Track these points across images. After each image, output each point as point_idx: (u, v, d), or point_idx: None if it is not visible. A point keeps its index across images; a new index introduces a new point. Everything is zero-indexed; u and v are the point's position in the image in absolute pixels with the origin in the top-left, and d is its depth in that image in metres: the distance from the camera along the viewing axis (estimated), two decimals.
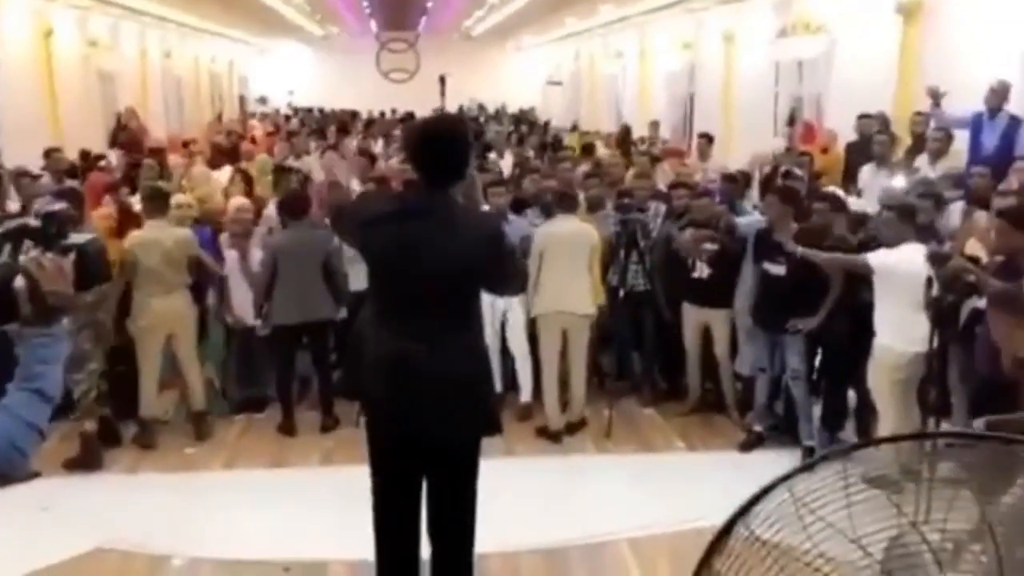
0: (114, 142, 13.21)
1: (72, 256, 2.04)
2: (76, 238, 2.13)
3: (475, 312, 3.26)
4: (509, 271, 3.32)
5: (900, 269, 4.71)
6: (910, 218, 4.99)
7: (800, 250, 5.27)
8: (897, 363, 4.78)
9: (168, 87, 18.90)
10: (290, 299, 5.95)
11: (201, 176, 8.47)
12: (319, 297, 5.97)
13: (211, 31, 22.03)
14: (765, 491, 1.77)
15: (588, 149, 11.50)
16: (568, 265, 5.90)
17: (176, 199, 6.36)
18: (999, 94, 7.04)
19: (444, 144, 3.16)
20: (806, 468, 1.80)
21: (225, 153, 10.66)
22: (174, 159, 9.65)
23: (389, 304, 3.20)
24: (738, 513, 1.78)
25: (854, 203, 6.57)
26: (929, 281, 4.40)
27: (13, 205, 7.16)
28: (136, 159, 9.70)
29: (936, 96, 7.24)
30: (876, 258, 4.88)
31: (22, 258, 1.98)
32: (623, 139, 13.56)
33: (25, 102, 11.55)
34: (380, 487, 3.34)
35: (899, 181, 6.84)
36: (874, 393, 5.02)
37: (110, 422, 5.87)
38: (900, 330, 4.71)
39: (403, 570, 3.38)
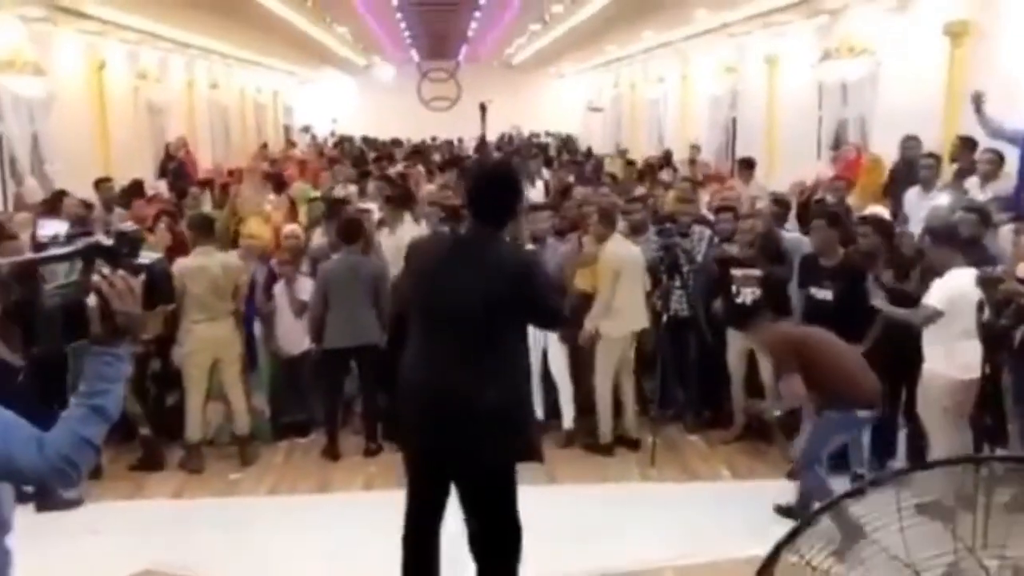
0: (163, 172, 13.50)
1: (142, 276, 2.04)
2: (145, 258, 2.12)
3: (509, 341, 3.39)
4: (541, 305, 3.47)
5: (951, 296, 4.62)
6: (951, 240, 4.90)
7: (886, 309, 5.18)
8: (947, 389, 4.67)
9: (215, 117, 19.28)
10: (341, 324, 6.00)
11: (249, 201, 8.56)
12: (368, 321, 6.01)
13: (256, 62, 22.49)
14: (815, 514, 1.73)
15: (642, 175, 11.53)
16: (636, 285, 6.03)
17: (246, 230, 6.48)
18: None
19: (495, 190, 3.42)
20: (856, 492, 1.76)
21: (271, 181, 10.81)
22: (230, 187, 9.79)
23: (422, 334, 3.42)
24: (788, 537, 1.74)
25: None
26: (980, 305, 4.30)
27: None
28: (184, 188, 9.89)
29: (979, 101, 7.09)
30: (934, 296, 4.76)
31: (94, 277, 1.98)
32: (664, 163, 13.52)
33: (78, 133, 11.85)
34: (408, 501, 3.59)
35: (943, 199, 6.71)
36: (924, 420, 4.91)
37: (152, 444, 5.95)
38: (950, 356, 4.61)
39: (425, 534, 3.56)
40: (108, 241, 2.09)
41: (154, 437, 5.99)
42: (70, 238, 2.77)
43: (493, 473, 3.43)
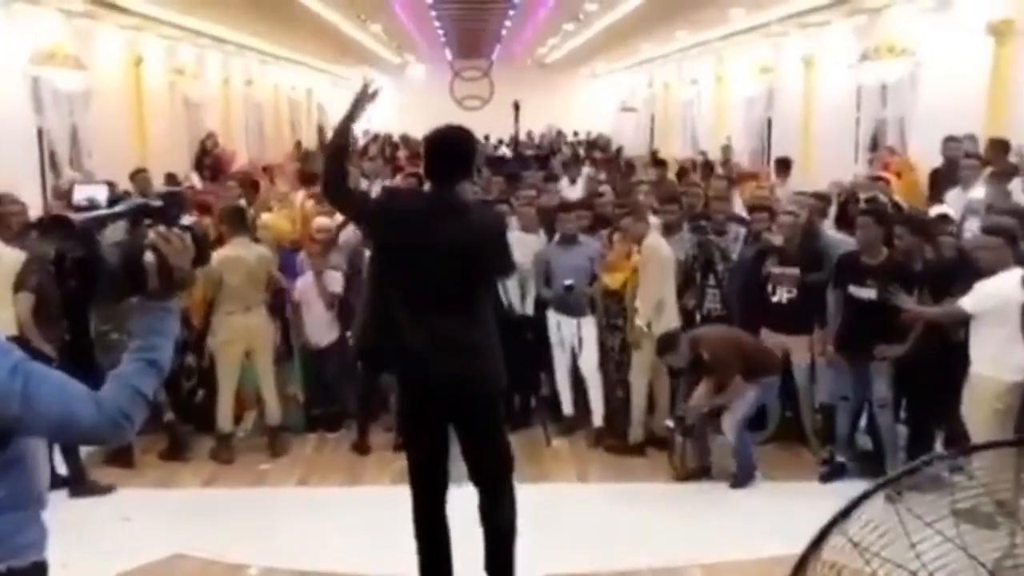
0: (199, 166, 13.63)
1: (189, 238, 2.11)
2: (185, 220, 2.24)
3: (482, 293, 3.67)
4: (507, 257, 3.80)
5: (997, 297, 4.51)
6: (1013, 244, 4.78)
7: (914, 308, 5.14)
8: (995, 392, 4.57)
9: (249, 114, 19.44)
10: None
11: (281, 196, 8.61)
12: None
13: (290, 59, 22.65)
14: (866, 495, 1.68)
15: (678, 176, 11.45)
16: (673, 282, 6.01)
17: (260, 221, 6.51)
18: None
19: (448, 151, 3.68)
20: (910, 471, 1.71)
21: (303, 177, 10.86)
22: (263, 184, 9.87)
23: (405, 284, 3.57)
24: (839, 516, 1.70)
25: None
26: None
27: None
28: (219, 182, 9.98)
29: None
30: (973, 296, 4.66)
31: (151, 233, 2.05)
32: (706, 170, 13.38)
33: (115, 127, 11.99)
34: (410, 446, 3.85)
35: (978, 192, 6.57)
36: (969, 424, 4.80)
37: (176, 430, 6.00)
38: (998, 359, 4.51)
39: (434, 521, 3.74)
40: (156, 202, 2.19)
41: (179, 424, 6.04)
42: (111, 203, 2.85)
43: (486, 399, 3.68)
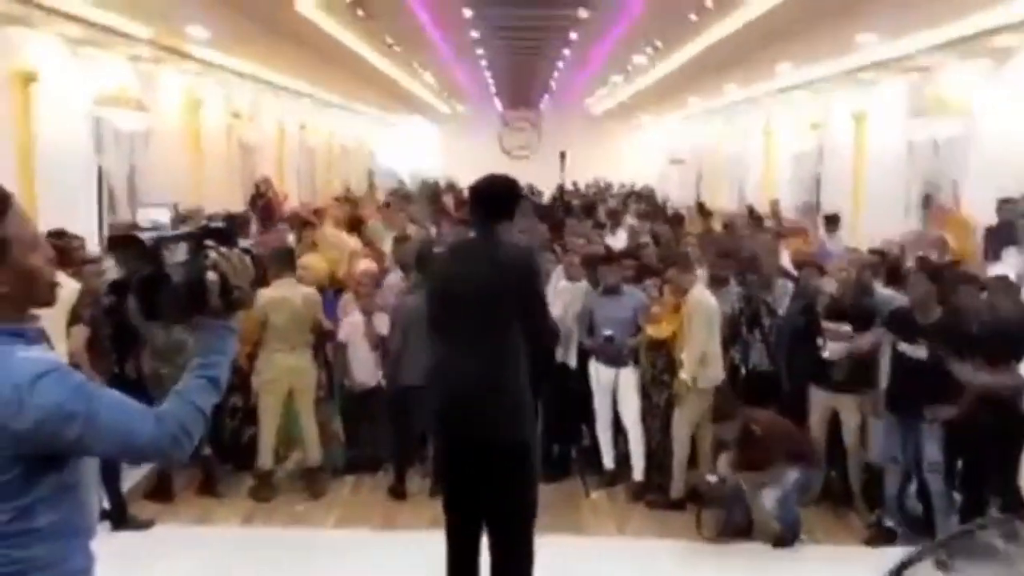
0: (253, 208, 13.88)
1: (249, 259, 2.18)
2: (244, 243, 2.28)
3: (514, 335, 3.69)
4: (538, 304, 3.86)
5: None
6: None
7: (974, 380, 5.05)
8: None
9: (303, 158, 19.82)
10: (420, 360, 6.00)
11: (332, 238, 8.70)
12: None
13: (344, 106, 23.13)
14: (912, 560, 1.62)
15: (727, 227, 11.39)
16: (718, 335, 5.95)
17: (301, 261, 6.58)
18: None
19: (491, 192, 3.85)
20: (960, 535, 1.64)
21: (349, 221, 10.99)
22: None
23: (445, 335, 3.76)
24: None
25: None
26: None
27: None
28: (270, 225, 10.15)
29: None
30: None
31: (212, 254, 2.11)
32: (754, 220, 13.28)
33: (173, 168, 12.30)
34: (445, 495, 3.94)
35: None
36: None
37: (211, 466, 6.03)
38: None
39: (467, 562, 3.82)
40: (217, 224, 2.29)
41: (217, 461, 6.08)
42: (175, 223, 2.97)
43: (506, 448, 3.67)
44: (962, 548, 2.12)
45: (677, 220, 11.96)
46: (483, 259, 3.71)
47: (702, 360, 5.77)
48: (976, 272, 6.50)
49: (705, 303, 5.90)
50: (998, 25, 8.74)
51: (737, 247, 7.82)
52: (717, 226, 12.09)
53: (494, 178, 3.93)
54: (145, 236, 2.25)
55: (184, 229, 2.31)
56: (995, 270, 6.89)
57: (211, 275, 2.09)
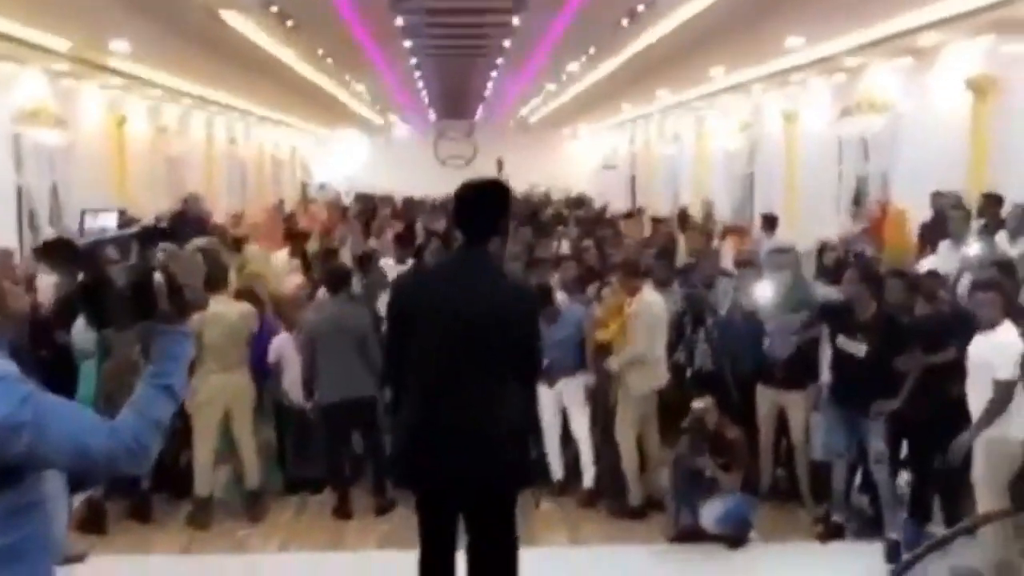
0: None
1: (200, 258, 2.09)
2: (197, 241, 2.15)
3: (511, 370, 3.29)
4: (536, 355, 3.44)
5: (998, 354, 4.44)
6: (1007, 297, 4.74)
7: (911, 367, 5.10)
8: (1000, 451, 4.46)
9: (233, 172, 19.45)
10: (331, 377, 5.86)
11: (258, 254, 8.49)
12: (359, 374, 5.85)
13: (275, 119, 22.77)
14: (915, 559, 1.56)
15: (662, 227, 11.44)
16: (663, 339, 5.90)
17: (248, 268, 6.38)
18: None
19: (478, 200, 3.36)
20: (958, 534, 1.59)
21: (293, 236, 10.76)
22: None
23: (428, 370, 3.27)
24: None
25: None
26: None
27: None
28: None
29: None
30: (1004, 367, 4.52)
31: (159, 254, 2.03)
32: (682, 220, 13.44)
33: (98, 183, 11.92)
34: (421, 535, 3.51)
35: (973, 248, 6.57)
36: (982, 486, 4.67)
37: (147, 499, 5.80)
38: (1001, 416, 4.41)
39: None
40: (164, 224, 2.10)
41: (148, 490, 5.82)
42: (121, 227, 2.82)
43: (504, 498, 3.39)
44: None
45: (615, 225, 12.01)
46: (480, 290, 3.24)
47: (643, 363, 5.73)
48: (907, 269, 6.60)
49: (655, 305, 5.87)
50: (920, 24, 8.96)
51: (675, 248, 7.86)
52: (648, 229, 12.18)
53: (484, 185, 3.46)
54: (82, 240, 2.13)
55: (131, 229, 2.20)
56: (928, 264, 7.02)
57: (158, 276, 1.97)
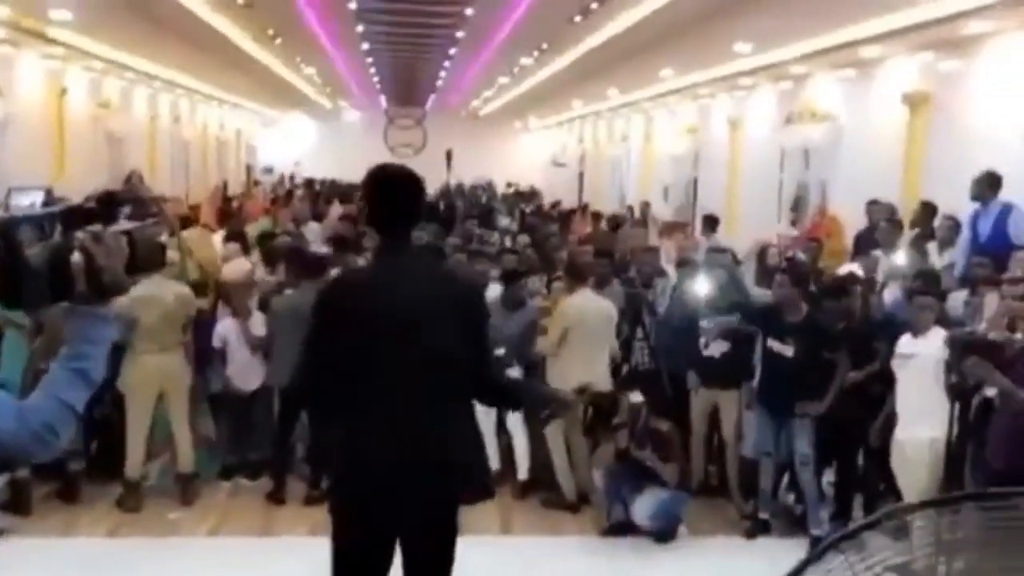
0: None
1: (124, 240, 2.00)
2: (126, 224, 2.08)
3: (464, 378, 3.00)
4: (488, 352, 3.15)
5: (927, 355, 4.62)
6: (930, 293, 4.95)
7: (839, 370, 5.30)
8: (925, 448, 4.64)
9: (176, 151, 19.07)
10: (287, 363, 5.81)
11: (199, 238, 8.31)
12: None
13: (220, 99, 22.38)
14: (821, 552, 1.63)
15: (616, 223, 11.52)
16: (593, 340, 5.86)
17: (169, 255, 6.25)
18: (980, 183, 7.02)
19: (396, 189, 3.05)
20: (868, 526, 1.67)
21: (230, 218, 10.61)
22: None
23: (370, 385, 2.92)
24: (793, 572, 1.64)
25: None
26: (948, 366, 4.30)
27: None
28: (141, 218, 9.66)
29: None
30: (901, 348, 4.76)
31: (79, 234, 1.93)
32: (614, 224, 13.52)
33: (35, 156, 11.60)
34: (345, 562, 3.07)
35: (900, 258, 6.78)
36: (900, 482, 4.85)
37: (74, 481, 5.70)
38: (923, 416, 4.59)
39: None
40: (89, 204, 2.04)
41: (80, 471, 5.72)
42: (46, 206, 2.73)
43: (451, 527, 3.08)
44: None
45: (564, 221, 12.09)
46: (418, 284, 2.98)
47: (557, 359, 5.80)
48: (853, 272, 6.78)
49: (571, 308, 5.86)
50: (863, 37, 9.20)
51: (613, 247, 7.96)
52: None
53: (398, 170, 3.13)
54: (8, 215, 2.06)
55: (49, 208, 2.12)
56: (848, 267, 7.22)
57: (76, 257, 1.91)
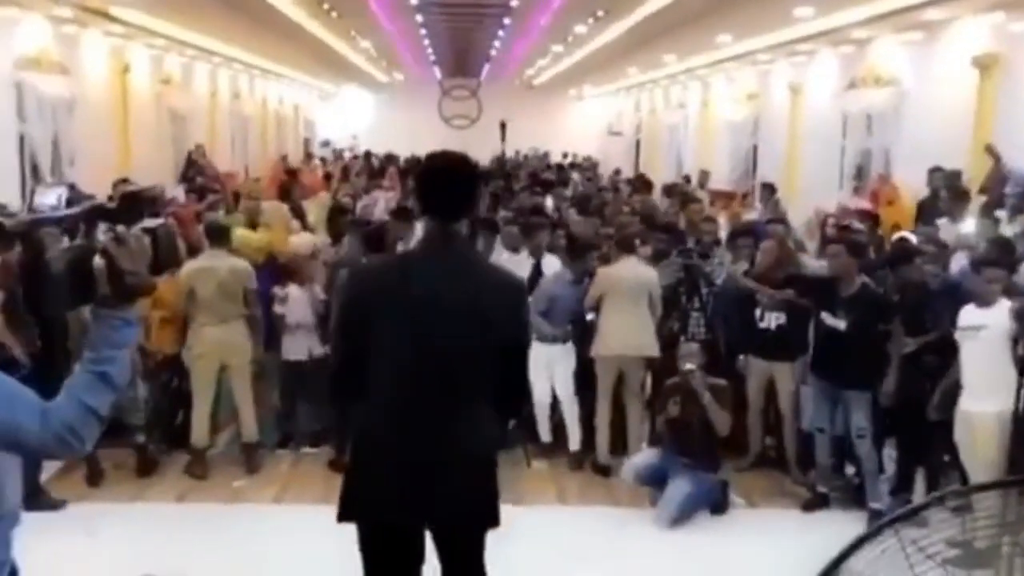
0: (184, 178, 13.49)
1: (147, 239, 1.97)
2: (148, 223, 2.06)
3: (488, 380, 2.88)
4: (521, 360, 2.99)
5: (994, 326, 4.50)
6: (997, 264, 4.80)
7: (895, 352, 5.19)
8: (991, 422, 4.53)
9: (235, 127, 19.33)
10: None
11: (273, 210, 8.41)
12: None
13: (279, 74, 22.59)
14: (873, 533, 1.62)
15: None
16: (628, 307, 5.90)
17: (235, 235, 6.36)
18: None
19: (449, 176, 2.94)
20: (921, 508, 1.65)
21: (285, 192, 10.77)
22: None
23: (396, 373, 2.85)
24: (846, 551, 1.63)
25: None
26: (1015, 338, 4.18)
27: None
28: (204, 193, 9.87)
29: (994, 153, 7.05)
30: (963, 320, 4.64)
31: (101, 236, 1.92)
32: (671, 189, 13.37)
33: (99, 136, 11.87)
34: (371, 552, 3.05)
35: (969, 226, 6.60)
36: (963, 456, 4.75)
37: (146, 452, 5.89)
38: (990, 389, 4.48)
39: None
40: (111, 204, 2.06)
41: (148, 445, 5.91)
42: (70, 203, 2.73)
43: (475, 526, 2.98)
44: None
45: (616, 191, 12.00)
46: (458, 272, 2.87)
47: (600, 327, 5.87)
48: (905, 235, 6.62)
49: (608, 276, 5.97)
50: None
51: (674, 220, 7.89)
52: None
53: (450, 157, 2.98)
54: (12, 220, 2.07)
55: (66, 210, 2.12)
56: (899, 234, 7.03)
57: (97, 260, 1.88)
